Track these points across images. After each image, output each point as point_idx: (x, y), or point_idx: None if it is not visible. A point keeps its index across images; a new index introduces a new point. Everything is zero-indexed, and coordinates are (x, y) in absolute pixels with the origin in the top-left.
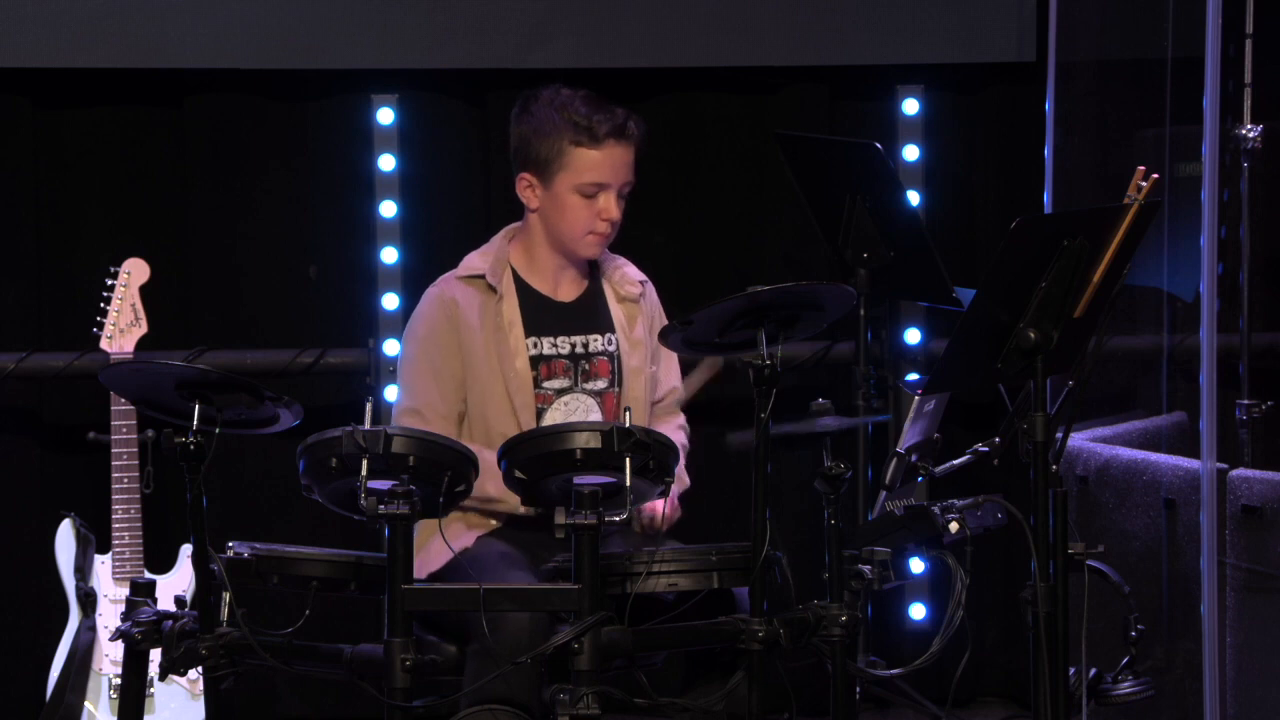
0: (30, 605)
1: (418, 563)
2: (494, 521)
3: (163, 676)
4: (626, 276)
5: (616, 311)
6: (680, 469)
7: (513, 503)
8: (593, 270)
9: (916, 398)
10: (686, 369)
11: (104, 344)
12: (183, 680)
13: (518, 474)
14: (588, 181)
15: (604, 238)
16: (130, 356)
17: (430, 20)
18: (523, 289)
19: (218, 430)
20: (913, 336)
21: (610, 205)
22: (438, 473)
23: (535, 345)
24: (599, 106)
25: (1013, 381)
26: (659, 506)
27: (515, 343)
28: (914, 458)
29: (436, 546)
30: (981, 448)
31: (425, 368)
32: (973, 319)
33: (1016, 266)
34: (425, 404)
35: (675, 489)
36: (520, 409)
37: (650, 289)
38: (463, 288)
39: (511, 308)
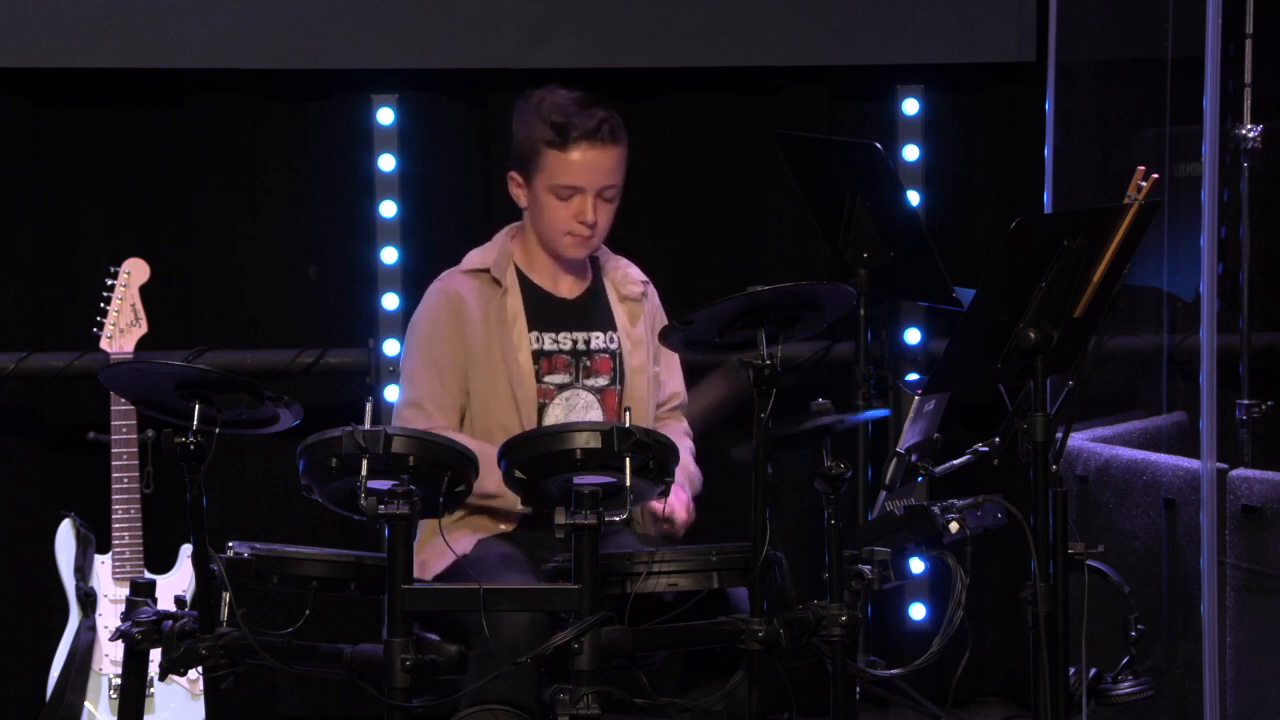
0: (30, 605)
1: (417, 567)
2: (503, 525)
3: (163, 676)
4: (629, 276)
5: (618, 310)
6: (694, 469)
7: (511, 499)
8: (594, 269)
9: (916, 398)
10: (693, 375)
11: (104, 344)
12: (183, 680)
13: (518, 474)
14: (560, 184)
15: (583, 239)
16: (130, 356)
17: (430, 20)
18: (526, 284)
19: (218, 430)
20: (913, 336)
21: (586, 208)
22: (438, 473)
23: (538, 340)
24: (581, 109)
25: (1013, 381)
26: (679, 511)
27: (519, 337)
28: (914, 458)
29: (436, 551)
30: (981, 448)
31: (428, 362)
32: (973, 319)
33: (1016, 266)
34: (427, 396)
35: (689, 490)
36: (522, 403)
37: (652, 290)
38: (467, 281)
39: (515, 302)
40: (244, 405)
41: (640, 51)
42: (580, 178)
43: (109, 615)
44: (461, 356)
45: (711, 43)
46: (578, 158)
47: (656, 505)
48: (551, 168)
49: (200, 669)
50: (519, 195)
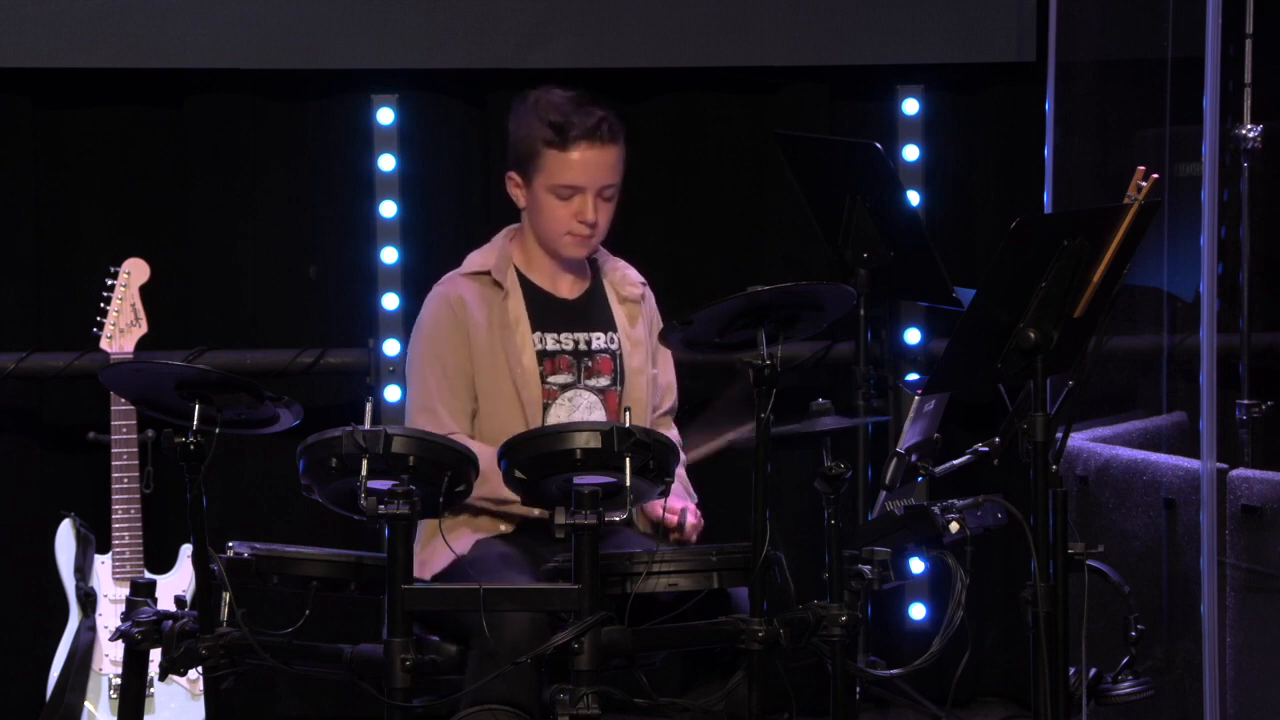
0: (30, 605)
1: (417, 565)
2: (504, 526)
3: (163, 676)
4: (627, 278)
5: (618, 311)
6: (686, 482)
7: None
8: (593, 270)
9: (916, 398)
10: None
11: (104, 344)
12: (183, 680)
13: (518, 474)
14: (560, 184)
15: (583, 239)
16: (130, 356)
17: (430, 20)
18: (527, 286)
19: (218, 430)
20: (913, 336)
21: (586, 208)
22: (438, 473)
23: (540, 340)
24: (578, 108)
25: (1013, 381)
26: (689, 519)
27: (522, 339)
28: (914, 458)
29: (436, 550)
30: (981, 448)
31: (435, 366)
32: (973, 319)
33: (1016, 266)
34: (439, 401)
35: (692, 500)
36: (527, 404)
37: (649, 292)
38: (468, 284)
39: (517, 304)
40: (244, 405)
41: (640, 51)
42: (580, 177)
43: (109, 615)
44: (467, 360)
45: (711, 43)
46: (578, 157)
47: (671, 518)
48: (551, 167)
49: (200, 669)
50: (517, 196)
